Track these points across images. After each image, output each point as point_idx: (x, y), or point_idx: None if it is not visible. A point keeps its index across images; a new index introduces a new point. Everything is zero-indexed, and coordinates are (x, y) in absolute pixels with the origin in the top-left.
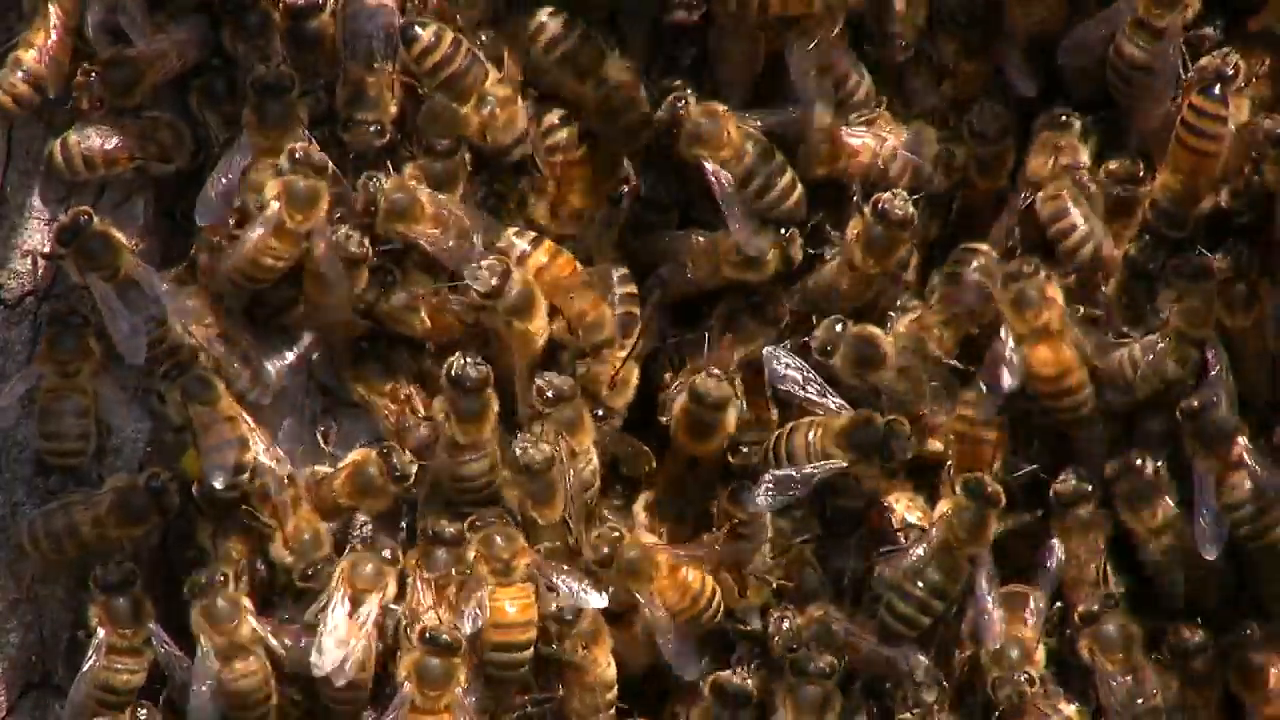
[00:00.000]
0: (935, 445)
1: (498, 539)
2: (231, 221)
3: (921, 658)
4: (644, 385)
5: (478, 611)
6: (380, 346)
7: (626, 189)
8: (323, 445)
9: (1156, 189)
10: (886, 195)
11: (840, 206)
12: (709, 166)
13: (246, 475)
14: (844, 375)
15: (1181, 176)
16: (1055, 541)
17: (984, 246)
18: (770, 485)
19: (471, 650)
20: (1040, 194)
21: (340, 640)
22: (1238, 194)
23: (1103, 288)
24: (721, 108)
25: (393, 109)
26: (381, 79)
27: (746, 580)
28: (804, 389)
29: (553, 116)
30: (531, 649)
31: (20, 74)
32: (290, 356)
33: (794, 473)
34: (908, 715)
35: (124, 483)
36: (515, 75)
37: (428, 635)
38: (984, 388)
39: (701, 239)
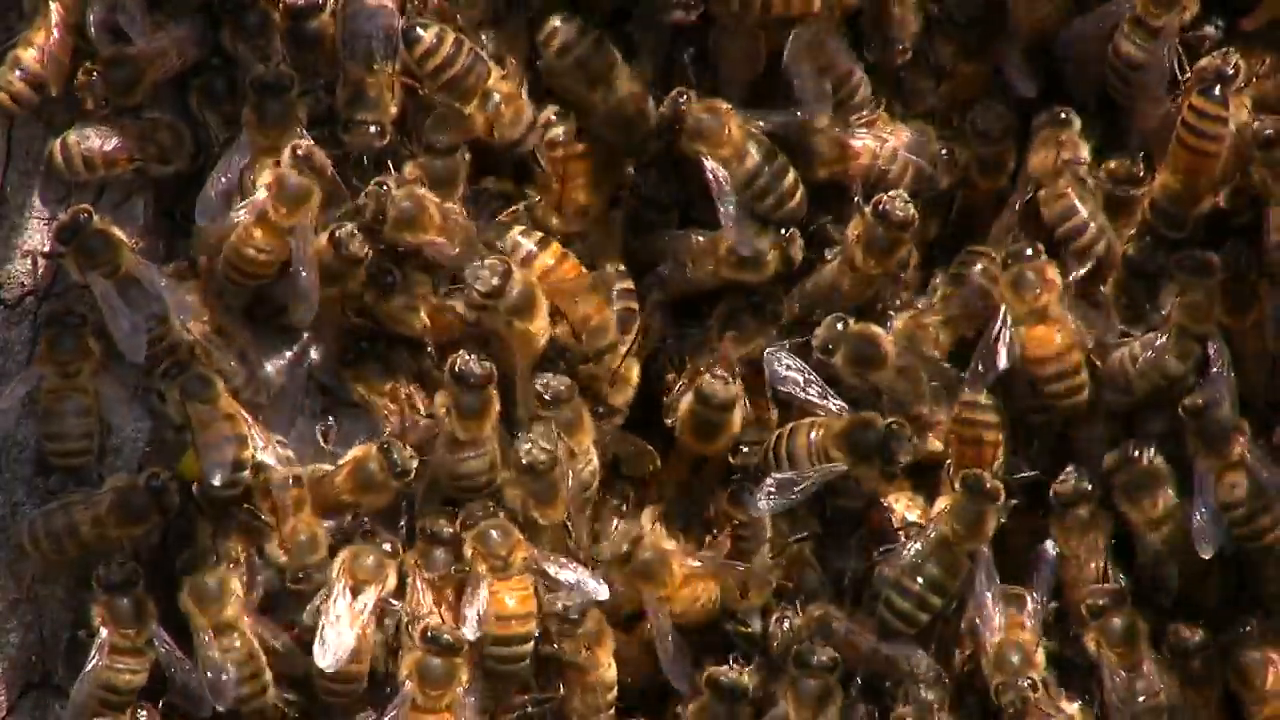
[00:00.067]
0: (935, 445)
1: (493, 534)
2: None
3: (922, 655)
4: (645, 385)
5: (479, 615)
6: (380, 346)
7: (627, 189)
8: (323, 444)
9: (1156, 189)
10: (887, 196)
11: (841, 207)
12: (708, 164)
13: (246, 472)
14: (845, 374)
15: (1181, 176)
16: (1048, 543)
17: (989, 250)
18: (771, 489)
19: (472, 645)
20: (1043, 192)
21: (342, 631)
22: (1237, 194)
23: (1102, 287)
24: (724, 105)
25: (393, 109)
26: (381, 79)
27: (748, 580)
28: (805, 390)
29: (548, 112)
30: (532, 642)
31: (19, 72)
32: (289, 356)
33: (795, 476)
34: (906, 713)
35: (124, 482)
36: (518, 72)
37: (429, 635)
38: (979, 366)
39: (701, 239)
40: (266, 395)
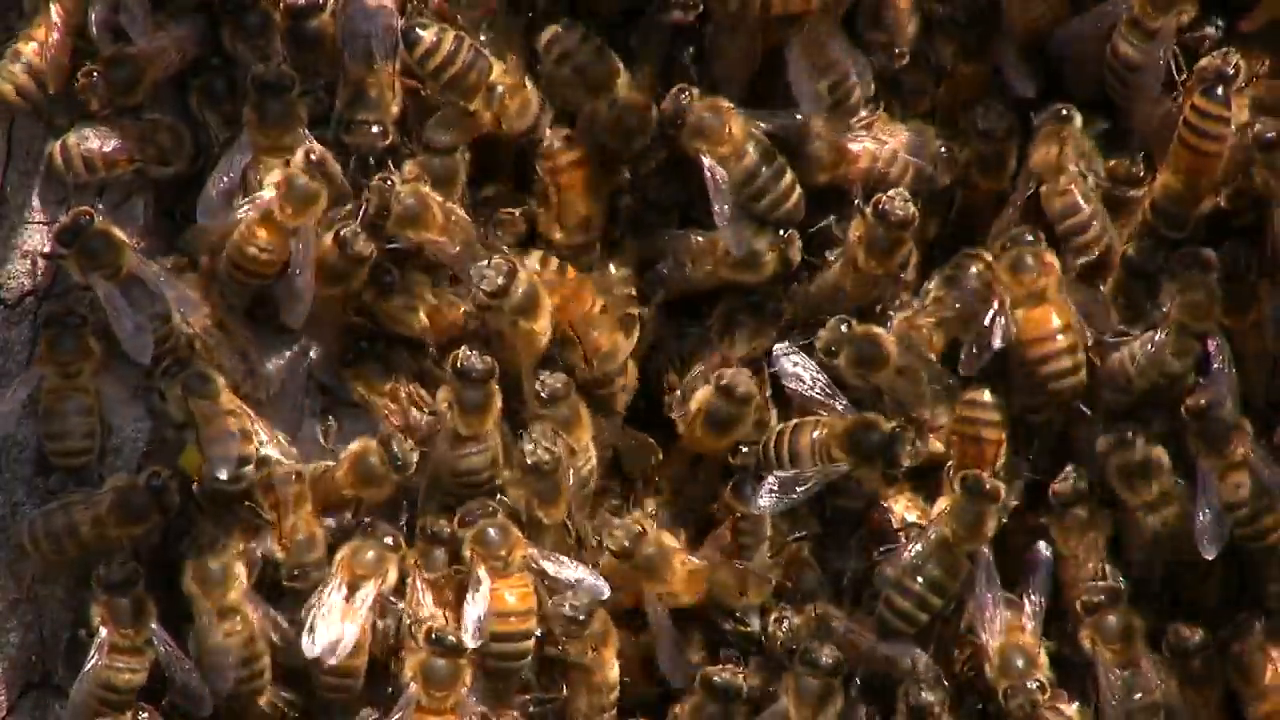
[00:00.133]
0: (936, 446)
1: (491, 533)
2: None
3: (922, 655)
4: (643, 384)
5: (480, 620)
6: (380, 346)
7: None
8: (323, 444)
9: (1157, 189)
10: (886, 196)
11: (842, 209)
12: (706, 161)
13: (251, 467)
14: (848, 376)
15: (1182, 177)
16: (1042, 544)
17: (984, 252)
18: (773, 487)
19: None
20: (1045, 187)
21: (332, 623)
22: (1238, 195)
23: (1102, 287)
24: (726, 104)
25: (394, 109)
26: (382, 79)
27: (747, 579)
28: (811, 388)
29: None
30: (532, 640)
31: (20, 64)
32: (290, 355)
33: (797, 475)
34: (914, 715)
35: (124, 482)
36: (520, 65)
37: (434, 636)
38: (973, 349)
39: (700, 239)
40: (266, 392)
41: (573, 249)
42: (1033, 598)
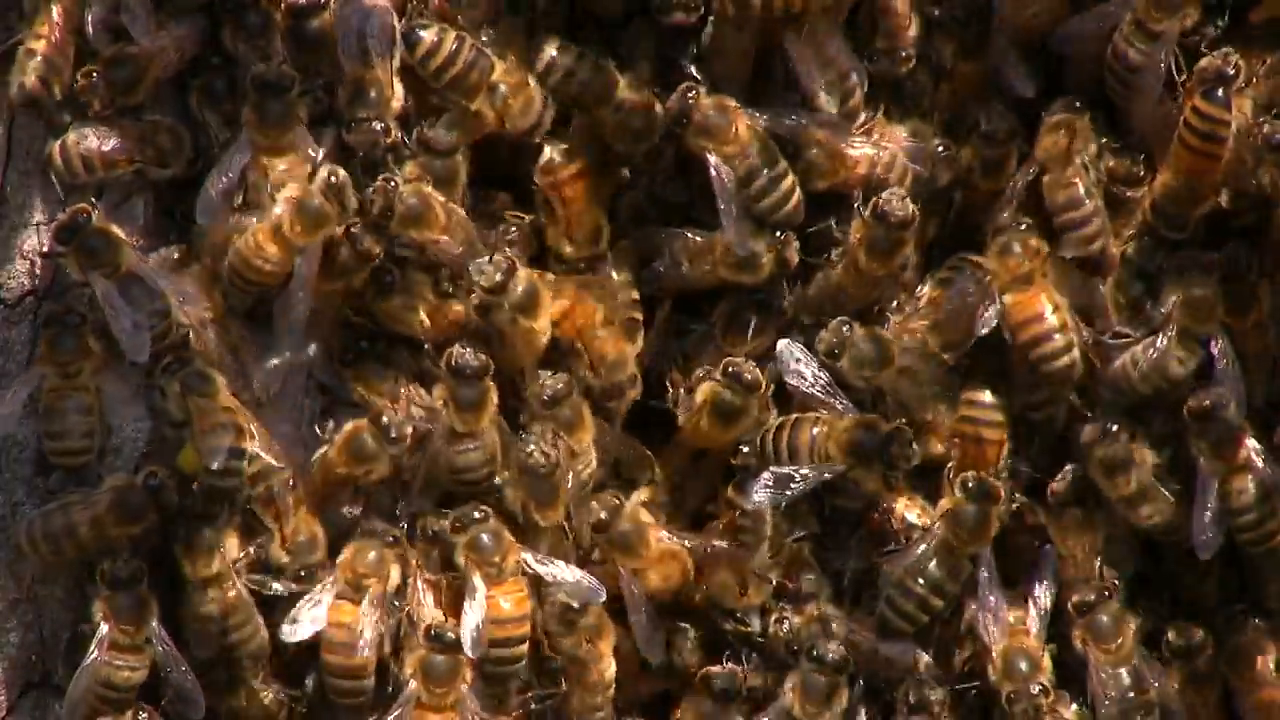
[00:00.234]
0: (936, 447)
1: (485, 539)
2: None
3: (923, 655)
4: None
5: (478, 629)
6: (380, 346)
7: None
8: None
9: (1157, 189)
10: (884, 196)
11: (842, 212)
12: (712, 159)
13: (244, 461)
14: (850, 378)
15: (1183, 177)
16: (1049, 547)
17: (981, 259)
18: (768, 482)
19: None
20: (1048, 177)
21: (317, 616)
22: (1238, 195)
23: (1101, 286)
24: (733, 103)
25: (395, 106)
26: (380, 76)
27: (747, 578)
28: (812, 385)
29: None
30: (528, 643)
31: (39, 59)
32: (289, 355)
33: (793, 472)
34: (915, 715)
35: (122, 482)
36: (522, 63)
37: (433, 633)
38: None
39: (699, 239)
40: (267, 393)
41: (584, 261)
42: (1036, 600)
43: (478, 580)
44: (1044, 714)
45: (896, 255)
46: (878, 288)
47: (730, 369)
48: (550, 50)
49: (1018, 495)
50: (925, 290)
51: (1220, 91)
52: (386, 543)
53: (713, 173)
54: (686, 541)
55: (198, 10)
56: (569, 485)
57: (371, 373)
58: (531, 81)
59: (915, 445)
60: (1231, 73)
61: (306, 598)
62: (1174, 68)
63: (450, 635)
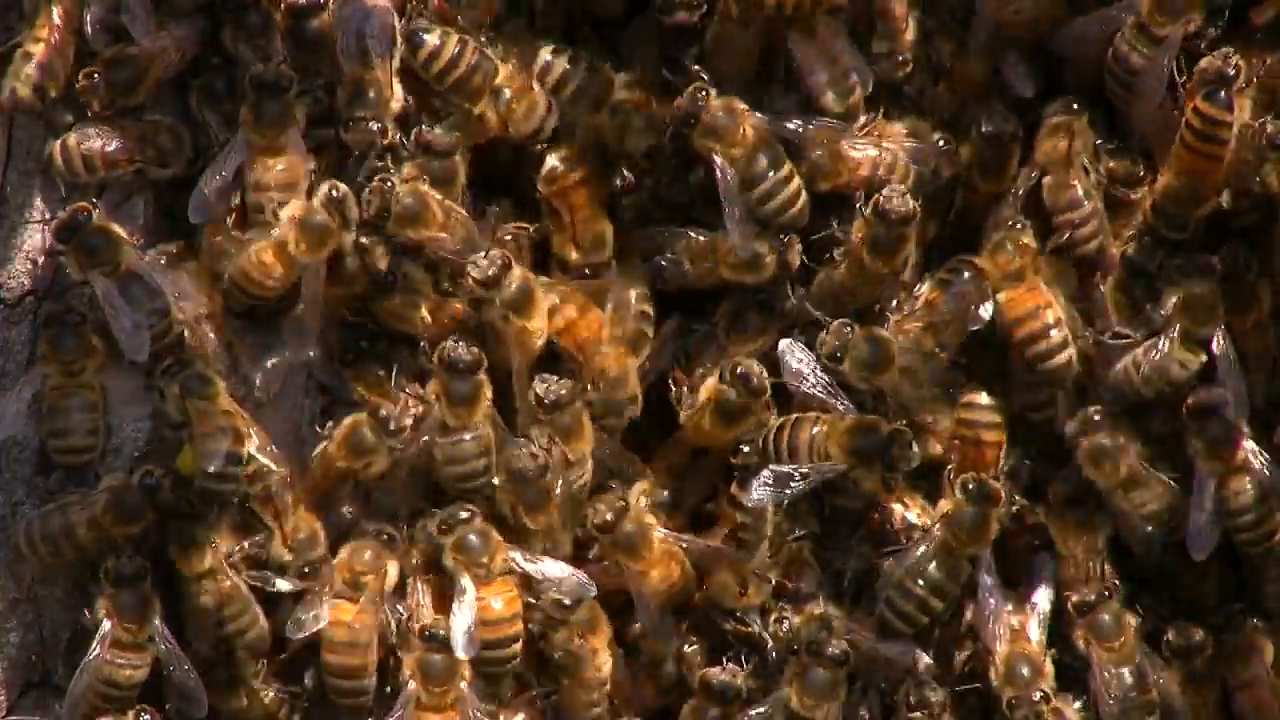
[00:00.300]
0: (936, 448)
1: (472, 539)
2: (229, 220)
3: (923, 655)
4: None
5: (470, 630)
6: (380, 346)
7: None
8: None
9: (1158, 190)
10: (883, 194)
11: (844, 213)
12: (718, 161)
13: (242, 468)
14: (852, 379)
15: (1184, 178)
16: (1047, 554)
17: (978, 261)
18: (768, 480)
19: None
20: (1049, 179)
21: (321, 615)
22: (1239, 195)
23: (1100, 286)
24: (741, 105)
25: (394, 106)
26: (380, 76)
27: (747, 578)
28: (814, 385)
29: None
30: (520, 641)
31: (34, 65)
32: (289, 355)
33: (792, 470)
34: (915, 714)
35: (118, 482)
36: (526, 67)
37: (428, 633)
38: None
39: (701, 238)
40: (266, 393)
41: (590, 267)
42: (1036, 605)
43: (466, 581)
44: (1045, 718)
45: (900, 252)
46: (882, 286)
47: (738, 370)
48: (545, 54)
49: (1017, 497)
50: (923, 290)
51: (1222, 93)
52: (383, 541)
53: (718, 174)
54: (684, 542)
55: (198, 11)
56: (559, 490)
57: (371, 373)
58: (536, 86)
59: (915, 447)
60: (1232, 73)
61: (306, 598)
62: (1175, 69)
63: (443, 633)
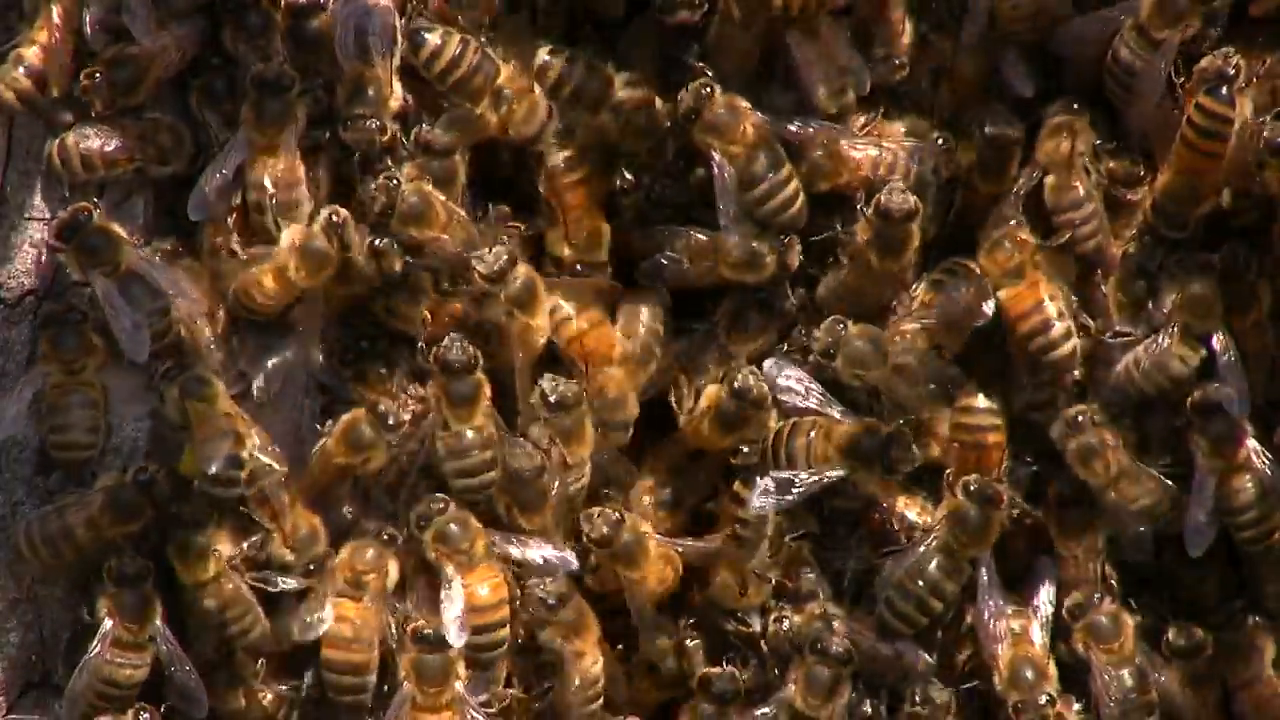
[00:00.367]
0: (935, 450)
1: (451, 529)
2: (230, 220)
3: (924, 655)
4: None
5: (459, 618)
6: (380, 346)
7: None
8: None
9: (1158, 189)
10: (884, 193)
11: (848, 212)
12: (716, 158)
13: (243, 471)
14: (845, 376)
15: (1185, 176)
16: (1047, 556)
17: (979, 259)
18: (769, 488)
19: None
20: (1051, 178)
21: (326, 617)
22: (1239, 195)
23: (1101, 286)
24: (744, 104)
25: (393, 105)
26: (380, 75)
27: (747, 578)
28: (806, 399)
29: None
30: (508, 625)
31: (23, 69)
32: (289, 354)
33: (793, 476)
34: (919, 709)
35: (113, 481)
36: (527, 69)
37: (419, 634)
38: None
39: (702, 238)
40: (266, 393)
41: (583, 265)
42: (1038, 608)
43: (450, 570)
44: None
45: (907, 248)
46: (891, 285)
47: (736, 385)
48: (543, 53)
49: (1017, 499)
50: (919, 292)
51: (1223, 89)
52: (383, 541)
53: (715, 171)
54: (681, 546)
55: (198, 11)
56: (555, 492)
57: (372, 373)
58: (537, 89)
59: (915, 448)
60: (1232, 72)
61: (309, 597)
62: (1173, 71)
63: (434, 634)
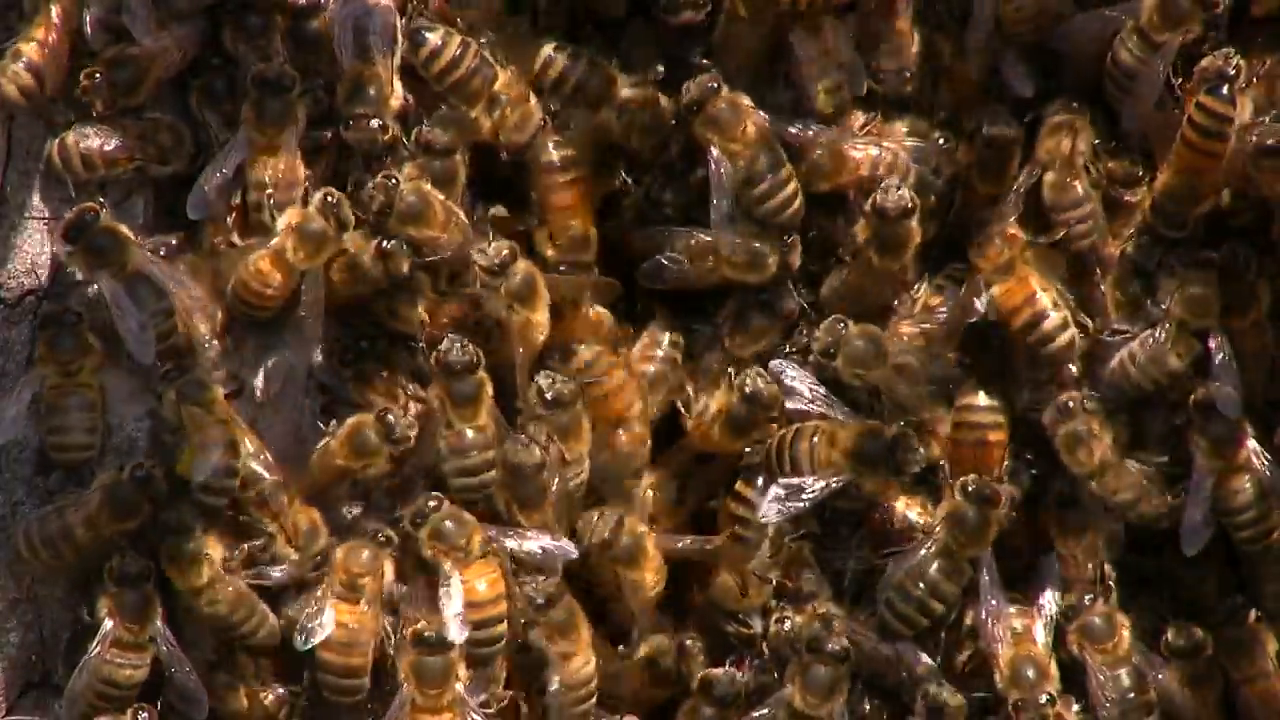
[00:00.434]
0: (937, 450)
1: (447, 525)
2: (230, 219)
3: (924, 656)
4: None
5: (459, 615)
6: (380, 346)
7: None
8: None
9: (1158, 188)
10: (880, 192)
11: (849, 212)
12: (714, 153)
13: (235, 480)
14: (845, 376)
15: (1184, 176)
16: (1051, 556)
17: (970, 258)
18: (780, 495)
19: None
20: (1050, 176)
21: (326, 623)
22: (1239, 195)
23: (1100, 285)
24: (747, 102)
25: (394, 104)
26: (380, 73)
27: (747, 579)
28: (811, 402)
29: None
30: (505, 622)
31: (23, 63)
32: (289, 354)
33: (801, 482)
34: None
35: (110, 478)
36: (525, 76)
37: (418, 637)
38: (961, 309)
39: (704, 238)
40: (266, 394)
41: (568, 266)
42: (1041, 607)
43: (448, 567)
44: None
45: (908, 246)
46: (892, 284)
47: (747, 389)
48: (547, 50)
49: (1017, 498)
50: (921, 295)
51: (1224, 88)
52: (379, 542)
53: (712, 166)
54: (680, 543)
55: (198, 11)
56: (554, 488)
57: (372, 373)
58: (533, 98)
59: (921, 449)
60: (1233, 72)
61: (306, 599)
62: (1172, 72)
63: (435, 636)
